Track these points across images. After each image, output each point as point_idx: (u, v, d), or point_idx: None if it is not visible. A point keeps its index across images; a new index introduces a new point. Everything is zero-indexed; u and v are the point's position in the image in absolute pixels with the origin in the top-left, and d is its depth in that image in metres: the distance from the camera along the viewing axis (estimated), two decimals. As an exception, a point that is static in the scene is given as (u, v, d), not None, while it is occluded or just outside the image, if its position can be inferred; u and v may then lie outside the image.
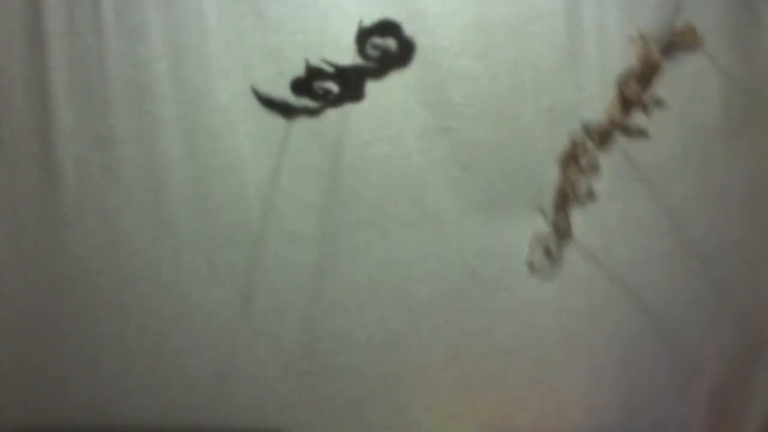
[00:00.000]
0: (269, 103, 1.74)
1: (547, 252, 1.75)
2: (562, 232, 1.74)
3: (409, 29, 1.72)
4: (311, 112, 1.74)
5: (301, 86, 1.72)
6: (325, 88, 1.72)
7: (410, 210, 1.79)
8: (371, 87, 1.74)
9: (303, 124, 1.76)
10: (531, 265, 1.77)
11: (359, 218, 1.78)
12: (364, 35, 1.69)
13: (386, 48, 1.70)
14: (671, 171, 1.75)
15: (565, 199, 1.72)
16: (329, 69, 1.71)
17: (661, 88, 1.70)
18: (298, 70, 1.73)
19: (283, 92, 1.74)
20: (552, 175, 1.74)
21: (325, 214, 1.79)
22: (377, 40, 1.69)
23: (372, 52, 1.70)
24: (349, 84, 1.72)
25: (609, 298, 1.78)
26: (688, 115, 1.73)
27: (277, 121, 1.77)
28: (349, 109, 1.74)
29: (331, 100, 1.73)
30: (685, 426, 1.80)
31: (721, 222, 1.75)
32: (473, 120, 1.75)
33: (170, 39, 1.75)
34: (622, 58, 1.71)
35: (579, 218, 1.76)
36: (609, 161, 1.72)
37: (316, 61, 1.70)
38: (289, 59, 1.74)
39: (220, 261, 1.81)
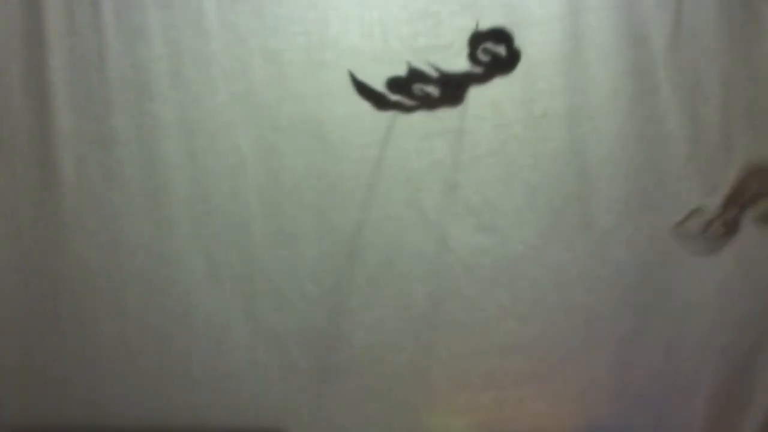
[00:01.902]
0: (364, 89, 1.74)
1: (707, 225, 1.73)
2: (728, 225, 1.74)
3: (408, 30, 1.73)
4: (405, 109, 1.74)
5: (399, 86, 1.73)
6: (425, 91, 1.72)
7: (409, 211, 1.79)
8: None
9: (302, 125, 1.77)
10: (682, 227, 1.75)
11: (359, 219, 1.78)
12: (477, 39, 1.71)
13: (496, 54, 1.71)
14: (669, 170, 1.75)
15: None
16: (433, 74, 1.72)
17: (661, 86, 1.72)
18: (298, 72, 1.74)
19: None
20: (540, 178, 1.76)
21: (325, 214, 1.79)
22: (489, 46, 1.70)
23: (482, 57, 1.71)
24: (451, 89, 1.73)
25: (607, 297, 1.78)
26: (687, 115, 1.73)
27: (276, 121, 1.77)
28: (350, 111, 1.75)
29: (428, 103, 1.74)
30: (683, 427, 1.80)
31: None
32: (471, 122, 1.75)
33: (170, 39, 1.75)
34: (620, 62, 1.71)
35: (573, 219, 1.77)
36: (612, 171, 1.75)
37: (420, 64, 1.71)
38: (289, 60, 1.74)
39: (220, 261, 1.81)
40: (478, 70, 1.72)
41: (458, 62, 1.73)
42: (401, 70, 1.74)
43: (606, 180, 1.76)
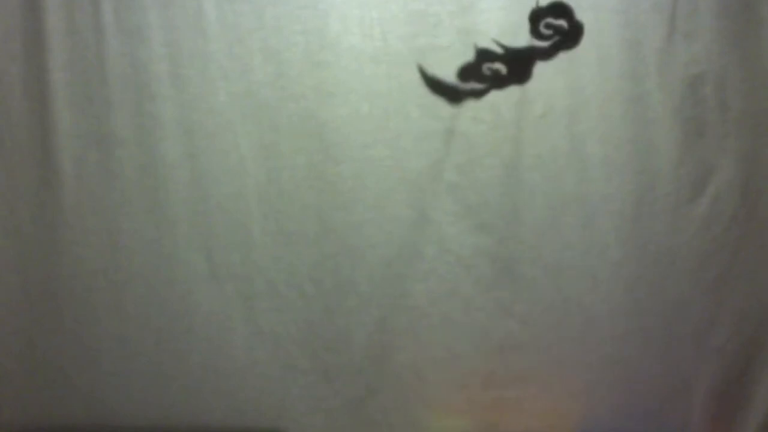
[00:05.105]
0: (436, 85, 1.74)
1: None
2: None
3: (407, 30, 1.73)
4: (477, 95, 1.74)
5: (469, 71, 1.72)
6: (494, 70, 1.72)
7: (408, 211, 1.79)
8: (371, 88, 1.75)
9: (302, 125, 1.77)
10: None
11: (359, 219, 1.79)
12: (538, 15, 1.70)
13: (559, 28, 1.71)
14: (665, 171, 1.76)
15: None
16: (499, 50, 1.71)
17: (656, 89, 1.72)
18: (298, 72, 1.74)
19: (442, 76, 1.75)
20: (538, 178, 1.76)
21: (325, 214, 1.79)
22: (551, 21, 1.70)
23: (545, 32, 1.71)
24: (518, 65, 1.73)
25: (605, 297, 1.79)
26: (683, 116, 1.74)
27: (276, 121, 1.77)
28: (350, 111, 1.75)
29: (497, 82, 1.73)
30: (682, 427, 1.81)
31: (717, 222, 1.76)
32: (469, 123, 1.75)
33: (170, 39, 1.75)
34: (619, 61, 1.72)
35: (572, 220, 1.77)
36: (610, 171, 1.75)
37: (485, 43, 1.71)
38: (289, 60, 1.74)
39: (220, 261, 1.81)
40: (542, 44, 1.72)
41: (458, 63, 1.73)
42: (401, 70, 1.74)
43: (604, 181, 1.76)
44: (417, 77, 1.74)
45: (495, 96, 1.74)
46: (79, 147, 1.79)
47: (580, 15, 1.71)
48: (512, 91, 1.73)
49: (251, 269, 1.81)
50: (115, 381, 1.84)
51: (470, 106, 1.74)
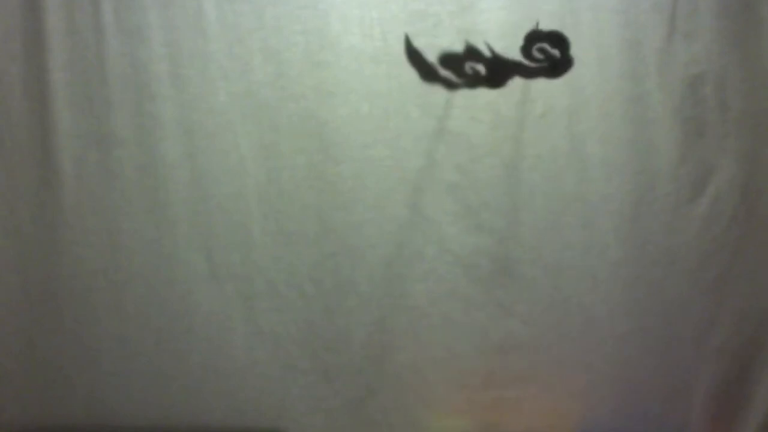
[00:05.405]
0: (414, 56, 1.73)
1: None
2: None
3: (408, 30, 1.73)
4: (449, 85, 1.74)
5: (452, 61, 1.72)
6: (475, 69, 1.72)
7: (407, 211, 1.79)
8: (371, 88, 1.75)
9: (302, 125, 1.77)
10: None
11: (359, 219, 1.79)
12: (535, 38, 1.71)
13: (551, 56, 1.71)
14: (665, 171, 1.75)
15: None
16: (487, 53, 1.71)
17: (656, 89, 1.72)
18: (298, 72, 1.74)
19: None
20: (538, 179, 1.76)
21: (325, 214, 1.79)
22: (546, 47, 1.71)
23: (536, 55, 1.71)
24: (497, 73, 1.73)
25: (605, 297, 1.79)
26: (683, 116, 1.74)
27: (276, 121, 1.77)
28: (350, 111, 1.75)
29: (472, 81, 1.73)
30: (682, 427, 1.81)
31: (717, 222, 1.76)
32: (468, 123, 1.75)
33: (170, 39, 1.75)
34: (619, 61, 1.72)
35: (572, 220, 1.77)
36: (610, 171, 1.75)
37: (476, 42, 1.72)
38: (289, 60, 1.74)
39: (220, 261, 1.81)
40: (529, 64, 1.72)
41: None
42: (401, 70, 1.73)
43: (604, 181, 1.76)
44: (417, 77, 1.74)
45: (495, 95, 1.74)
46: (79, 147, 1.79)
47: (580, 15, 1.72)
48: (512, 91, 1.73)
49: (251, 269, 1.81)
50: (115, 381, 1.84)
51: (470, 105, 1.74)
